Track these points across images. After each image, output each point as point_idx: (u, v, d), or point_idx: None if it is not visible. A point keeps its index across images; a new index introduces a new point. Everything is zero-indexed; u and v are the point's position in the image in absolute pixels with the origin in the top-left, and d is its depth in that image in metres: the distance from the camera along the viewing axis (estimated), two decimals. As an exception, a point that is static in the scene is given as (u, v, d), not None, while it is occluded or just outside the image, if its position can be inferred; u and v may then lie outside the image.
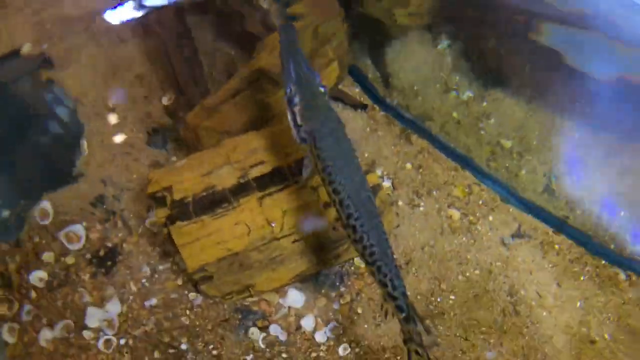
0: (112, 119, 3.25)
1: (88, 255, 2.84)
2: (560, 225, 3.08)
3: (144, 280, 2.79)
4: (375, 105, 3.68)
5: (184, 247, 2.40)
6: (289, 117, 2.17)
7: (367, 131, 3.53)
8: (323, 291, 2.80)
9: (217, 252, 2.41)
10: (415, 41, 3.85)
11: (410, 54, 3.82)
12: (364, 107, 3.65)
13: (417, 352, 1.90)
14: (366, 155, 3.34)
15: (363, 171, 2.14)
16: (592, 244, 3.01)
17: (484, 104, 3.56)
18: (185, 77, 3.13)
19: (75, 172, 3.05)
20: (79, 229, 2.86)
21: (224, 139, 2.58)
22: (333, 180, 2.03)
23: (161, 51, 3.20)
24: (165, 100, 3.35)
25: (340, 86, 3.57)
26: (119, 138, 3.19)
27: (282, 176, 2.59)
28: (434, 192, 3.20)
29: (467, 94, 3.64)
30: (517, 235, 3.04)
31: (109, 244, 2.88)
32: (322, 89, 2.17)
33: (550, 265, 2.96)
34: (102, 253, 2.84)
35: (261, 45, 2.83)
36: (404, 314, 1.90)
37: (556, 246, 3.00)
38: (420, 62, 3.77)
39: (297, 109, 2.12)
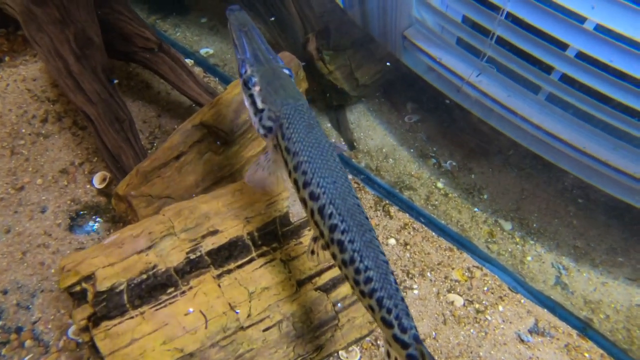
0: (25, 210, 2.65)
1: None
2: (583, 328, 2.70)
3: (63, 415, 2.04)
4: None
5: (115, 356, 1.73)
6: (246, 103, 1.68)
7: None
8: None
9: (163, 356, 1.76)
10: (377, 109, 3.71)
11: (375, 121, 3.65)
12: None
13: None
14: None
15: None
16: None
17: (472, 176, 3.34)
18: (118, 151, 2.65)
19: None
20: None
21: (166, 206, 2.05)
22: (309, 180, 1.48)
23: (92, 131, 2.72)
24: (97, 182, 2.82)
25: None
26: (31, 230, 2.56)
27: (244, 247, 2.07)
28: (429, 274, 2.78)
29: (450, 163, 3.42)
30: (535, 331, 2.62)
31: (5, 378, 2.14)
32: (286, 71, 1.71)
33: (586, 380, 2.51)
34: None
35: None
36: None
37: (586, 354, 2.56)
38: (388, 130, 3.58)
39: (255, 89, 1.64)
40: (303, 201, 1.54)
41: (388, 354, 1.47)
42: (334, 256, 1.51)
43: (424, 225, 3.06)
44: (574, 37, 2.26)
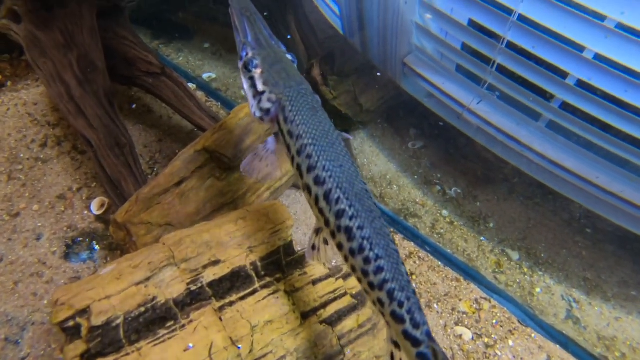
0: (19, 237, 2.56)
1: None
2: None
3: None
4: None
5: (109, 395, 1.62)
6: (245, 86, 1.62)
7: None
8: None
9: (159, 397, 1.65)
10: (381, 135, 3.69)
11: (379, 147, 3.61)
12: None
13: None
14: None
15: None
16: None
17: (478, 204, 3.29)
18: (118, 176, 2.58)
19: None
20: None
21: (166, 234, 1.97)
22: (314, 164, 1.39)
23: (92, 156, 2.68)
24: (95, 208, 2.75)
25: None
26: (25, 258, 2.47)
27: (246, 278, 1.99)
28: (435, 305, 2.69)
29: (455, 190, 3.37)
30: None
31: None
32: (289, 57, 1.67)
33: None
34: None
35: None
36: None
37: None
38: (391, 156, 3.55)
39: (257, 72, 1.58)
40: (307, 188, 1.44)
41: (392, 357, 1.37)
42: (340, 246, 1.40)
43: (429, 255, 2.98)
44: (574, 66, 2.24)
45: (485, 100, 2.75)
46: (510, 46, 2.39)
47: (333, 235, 1.41)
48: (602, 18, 2.09)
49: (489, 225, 3.21)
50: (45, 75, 2.54)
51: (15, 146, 3.00)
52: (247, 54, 1.62)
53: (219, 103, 3.65)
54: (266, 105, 1.55)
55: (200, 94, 3.70)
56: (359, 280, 1.39)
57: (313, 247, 1.57)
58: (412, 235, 3.10)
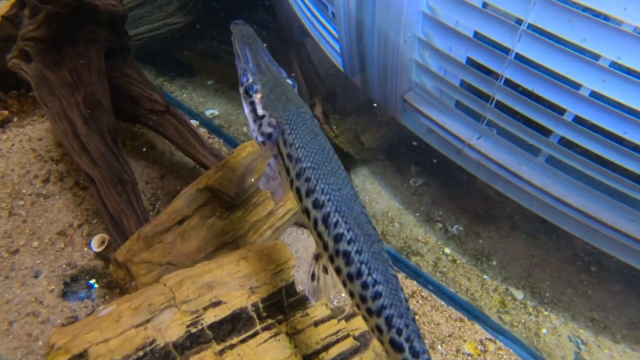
0: (17, 275, 2.53)
1: None
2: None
3: None
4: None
5: None
6: (246, 111, 1.63)
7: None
8: None
9: None
10: (382, 172, 3.70)
11: (380, 184, 3.62)
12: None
13: None
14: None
15: None
16: None
17: (480, 241, 3.27)
18: (120, 214, 2.57)
19: None
20: None
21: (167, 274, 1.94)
22: (313, 187, 1.39)
23: (94, 193, 2.68)
24: (95, 245, 2.72)
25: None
26: (22, 297, 2.42)
27: (248, 320, 1.96)
28: (439, 347, 2.64)
29: (457, 227, 3.36)
30: None
31: None
32: (289, 82, 1.69)
33: None
34: None
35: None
36: None
37: None
38: (393, 194, 3.55)
39: (257, 97, 1.59)
40: (305, 211, 1.43)
41: None
42: (338, 271, 1.38)
43: (432, 294, 2.93)
44: (571, 103, 2.27)
45: (485, 136, 2.78)
46: (508, 83, 2.43)
47: (331, 259, 1.39)
48: (596, 57, 2.14)
49: (492, 263, 3.18)
50: (52, 113, 2.58)
51: (18, 182, 3.01)
52: (247, 80, 1.65)
53: (222, 140, 3.68)
54: (267, 129, 1.57)
55: (203, 131, 3.74)
56: (357, 307, 1.37)
57: (312, 277, 1.55)
58: (415, 273, 3.06)
